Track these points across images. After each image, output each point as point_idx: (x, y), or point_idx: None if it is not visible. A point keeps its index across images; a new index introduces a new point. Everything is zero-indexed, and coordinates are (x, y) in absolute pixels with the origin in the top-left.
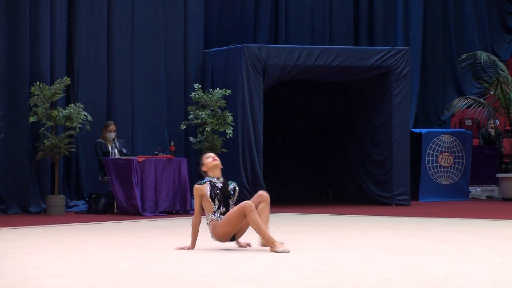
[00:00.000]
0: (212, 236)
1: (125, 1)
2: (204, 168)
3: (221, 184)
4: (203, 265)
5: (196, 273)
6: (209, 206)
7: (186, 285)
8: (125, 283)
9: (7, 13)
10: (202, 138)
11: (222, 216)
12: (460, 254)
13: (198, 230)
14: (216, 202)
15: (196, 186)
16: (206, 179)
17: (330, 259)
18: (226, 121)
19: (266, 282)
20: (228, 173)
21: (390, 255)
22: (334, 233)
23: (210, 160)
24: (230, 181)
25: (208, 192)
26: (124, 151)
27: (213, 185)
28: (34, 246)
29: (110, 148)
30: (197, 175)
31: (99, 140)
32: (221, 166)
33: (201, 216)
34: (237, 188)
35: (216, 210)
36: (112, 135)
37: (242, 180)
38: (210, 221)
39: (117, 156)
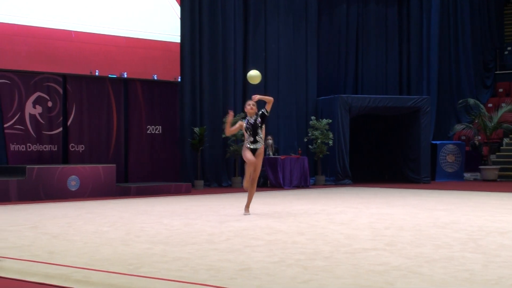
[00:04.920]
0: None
1: (273, 69)
2: (245, 110)
3: (252, 120)
4: (318, 216)
5: (311, 221)
6: (245, 135)
7: (290, 230)
8: (276, 224)
9: (211, 77)
10: (316, 146)
11: (251, 143)
12: (459, 210)
13: (233, 129)
14: (248, 132)
15: (240, 122)
16: (246, 119)
17: (386, 212)
18: (329, 137)
19: (351, 225)
20: (329, 165)
21: (419, 210)
22: (388, 198)
23: (248, 108)
24: (258, 112)
25: (244, 125)
26: (276, 154)
27: (248, 122)
28: (224, 204)
29: (267, 151)
30: (312, 164)
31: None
32: (256, 110)
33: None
34: (259, 113)
35: (248, 138)
36: (270, 142)
37: (337, 169)
38: (244, 146)
39: (271, 155)
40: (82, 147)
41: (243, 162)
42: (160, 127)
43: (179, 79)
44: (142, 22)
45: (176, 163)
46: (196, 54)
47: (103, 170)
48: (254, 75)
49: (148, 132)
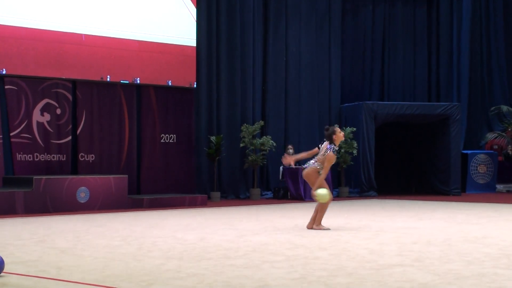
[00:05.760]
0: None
1: (294, 74)
2: (335, 138)
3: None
4: (341, 230)
5: (334, 235)
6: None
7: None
8: (297, 239)
9: (228, 83)
10: (339, 156)
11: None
12: (491, 224)
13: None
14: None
15: (333, 156)
16: (334, 148)
17: (413, 226)
18: (353, 146)
19: (376, 239)
20: (353, 176)
21: (449, 224)
22: (416, 211)
23: (342, 135)
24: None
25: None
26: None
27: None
28: (242, 217)
29: None
30: (336, 174)
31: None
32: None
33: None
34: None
35: None
36: (291, 151)
37: (361, 180)
38: (318, 169)
39: (292, 166)
40: (92, 157)
41: (262, 172)
42: (174, 135)
43: (194, 85)
44: (156, 25)
45: (191, 174)
46: (213, 58)
47: (114, 181)
48: (323, 193)
49: (162, 141)
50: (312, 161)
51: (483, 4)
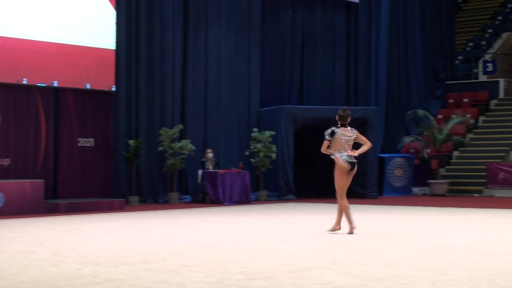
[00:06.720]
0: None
1: (214, 78)
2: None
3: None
4: (259, 233)
5: (252, 239)
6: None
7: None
8: (215, 243)
9: (147, 86)
10: (258, 160)
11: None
12: (407, 226)
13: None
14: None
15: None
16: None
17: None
18: (272, 150)
19: (294, 243)
20: (272, 179)
21: (366, 227)
22: (333, 215)
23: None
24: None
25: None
26: (216, 168)
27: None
28: (160, 221)
29: (206, 165)
30: (254, 178)
31: (203, 159)
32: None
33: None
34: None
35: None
36: (210, 155)
37: (280, 184)
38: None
39: (211, 169)
40: (7, 161)
41: (181, 176)
42: (92, 139)
43: (113, 89)
44: (75, 28)
45: (109, 178)
46: (132, 62)
47: (30, 185)
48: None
49: (79, 145)
50: (344, 153)
51: (401, 10)
